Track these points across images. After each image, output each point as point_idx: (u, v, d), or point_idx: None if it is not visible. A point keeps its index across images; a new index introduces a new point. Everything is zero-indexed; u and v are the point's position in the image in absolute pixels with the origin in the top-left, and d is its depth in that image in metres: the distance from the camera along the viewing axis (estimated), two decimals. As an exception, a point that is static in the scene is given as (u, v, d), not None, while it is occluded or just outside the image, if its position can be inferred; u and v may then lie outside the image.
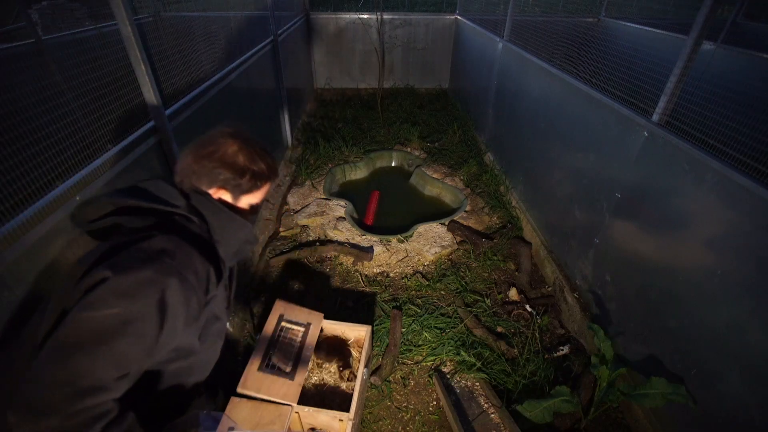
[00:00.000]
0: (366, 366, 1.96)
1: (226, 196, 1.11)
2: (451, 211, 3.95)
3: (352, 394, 1.79)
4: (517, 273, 3.14)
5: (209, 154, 1.06)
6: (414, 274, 3.10)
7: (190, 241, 0.99)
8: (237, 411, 1.58)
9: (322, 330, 2.08)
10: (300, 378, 1.72)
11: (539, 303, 2.85)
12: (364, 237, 3.42)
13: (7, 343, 1.06)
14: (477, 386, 2.30)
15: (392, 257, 3.24)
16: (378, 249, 3.27)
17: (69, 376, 0.78)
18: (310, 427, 1.81)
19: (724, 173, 1.59)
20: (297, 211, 3.75)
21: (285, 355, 1.81)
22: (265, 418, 1.57)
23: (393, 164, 5.03)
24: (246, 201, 1.15)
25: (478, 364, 2.36)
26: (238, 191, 1.11)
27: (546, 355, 2.47)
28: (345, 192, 4.43)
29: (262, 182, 1.13)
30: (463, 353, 2.41)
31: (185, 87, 2.22)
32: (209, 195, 1.08)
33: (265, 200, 1.27)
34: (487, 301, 2.84)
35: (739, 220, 1.55)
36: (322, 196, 3.99)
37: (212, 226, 1.04)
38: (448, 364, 2.44)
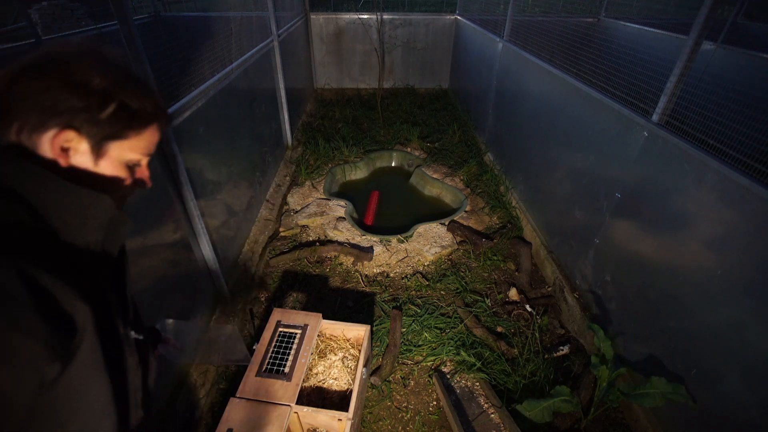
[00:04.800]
0: (365, 366, 1.96)
1: (76, 152, 0.62)
2: (451, 211, 3.95)
3: (350, 393, 1.79)
4: (517, 273, 3.14)
5: (39, 70, 0.59)
6: (414, 274, 3.10)
7: None
8: (236, 412, 1.59)
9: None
10: (297, 378, 1.73)
11: (539, 303, 2.85)
12: (364, 237, 3.42)
13: None
14: (477, 386, 2.29)
15: (392, 257, 3.24)
16: (378, 249, 3.27)
17: None
18: (310, 427, 1.81)
19: (724, 173, 1.59)
20: (297, 211, 3.75)
21: (282, 358, 1.81)
22: (263, 418, 1.57)
23: (393, 164, 5.03)
24: (114, 156, 0.66)
25: (478, 364, 2.36)
26: (98, 135, 0.62)
27: (546, 355, 2.47)
28: (345, 192, 4.43)
29: (140, 122, 0.66)
30: (463, 353, 2.41)
31: (185, 87, 2.22)
32: (32, 154, 0.60)
33: (149, 157, 0.73)
34: (487, 301, 2.84)
35: (739, 220, 1.54)
36: (322, 196, 3.99)
37: (38, 207, 0.59)
38: (448, 364, 2.44)
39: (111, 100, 0.62)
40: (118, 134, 0.64)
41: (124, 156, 0.67)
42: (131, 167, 0.70)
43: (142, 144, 0.69)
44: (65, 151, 0.61)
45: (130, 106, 0.64)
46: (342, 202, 3.86)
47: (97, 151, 0.64)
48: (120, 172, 0.68)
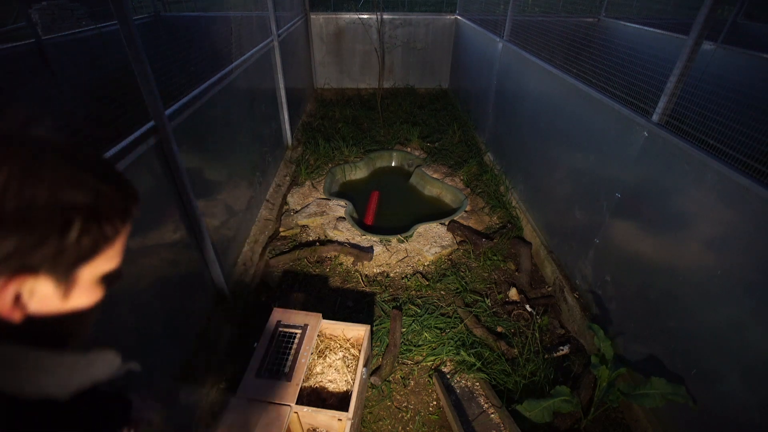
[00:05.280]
0: (365, 366, 1.96)
1: (34, 296, 0.46)
2: (451, 211, 3.95)
3: (350, 393, 1.79)
4: (517, 273, 3.14)
5: None
6: (414, 274, 3.10)
7: None
8: (236, 412, 1.59)
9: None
10: (297, 378, 1.73)
11: (539, 303, 2.85)
12: (364, 237, 3.41)
13: None
14: (477, 386, 2.29)
15: (392, 257, 3.24)
16: (378, 249, 3.27)
17: None
18: (310, 428, 1.81)
19: (724, 173, 1.59)
20: (297, 211, 3.75)
21: (282, 358, 1.82)
22: (264, 418, 1.57)
23: (393, 164, 5.03)
24: (88, 278, 0.50)
25: (478, 364, 2.36)
26: (63, 264, 0.46)
27: (546, 355, 2.47)
28: (345, 192, 4.43)
29: (113, 226, 0.49)
30: (463, 353, 2.41)
31: (185, 87, 2.22)
32: None
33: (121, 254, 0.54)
34: (487, 301, 2.84)
35: (739, 220, 1.54)
36: (322, 196, 3.99)
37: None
38: (448, 364, 2.44)
39: (73, 216, 0.44)
40: (89, 254, 0.47)
41: (99, 272, 0.51)
42: (108, 275, 0.53)
43: (117, 249, 0.51)
44: (17, 301, 0.44)
45: (96, 210, 0.46)
46: (342, 202, 3.86)
47: (66, 284, 0.47)
48: (97, 292, 0.52)
